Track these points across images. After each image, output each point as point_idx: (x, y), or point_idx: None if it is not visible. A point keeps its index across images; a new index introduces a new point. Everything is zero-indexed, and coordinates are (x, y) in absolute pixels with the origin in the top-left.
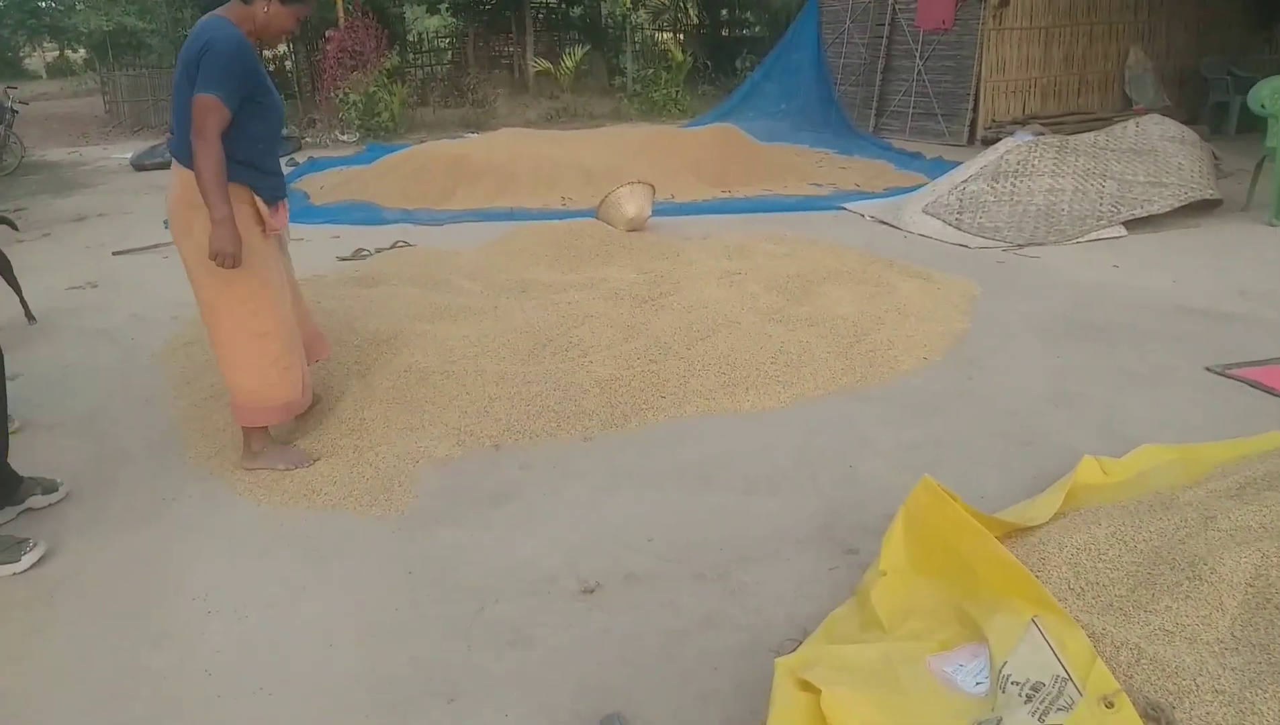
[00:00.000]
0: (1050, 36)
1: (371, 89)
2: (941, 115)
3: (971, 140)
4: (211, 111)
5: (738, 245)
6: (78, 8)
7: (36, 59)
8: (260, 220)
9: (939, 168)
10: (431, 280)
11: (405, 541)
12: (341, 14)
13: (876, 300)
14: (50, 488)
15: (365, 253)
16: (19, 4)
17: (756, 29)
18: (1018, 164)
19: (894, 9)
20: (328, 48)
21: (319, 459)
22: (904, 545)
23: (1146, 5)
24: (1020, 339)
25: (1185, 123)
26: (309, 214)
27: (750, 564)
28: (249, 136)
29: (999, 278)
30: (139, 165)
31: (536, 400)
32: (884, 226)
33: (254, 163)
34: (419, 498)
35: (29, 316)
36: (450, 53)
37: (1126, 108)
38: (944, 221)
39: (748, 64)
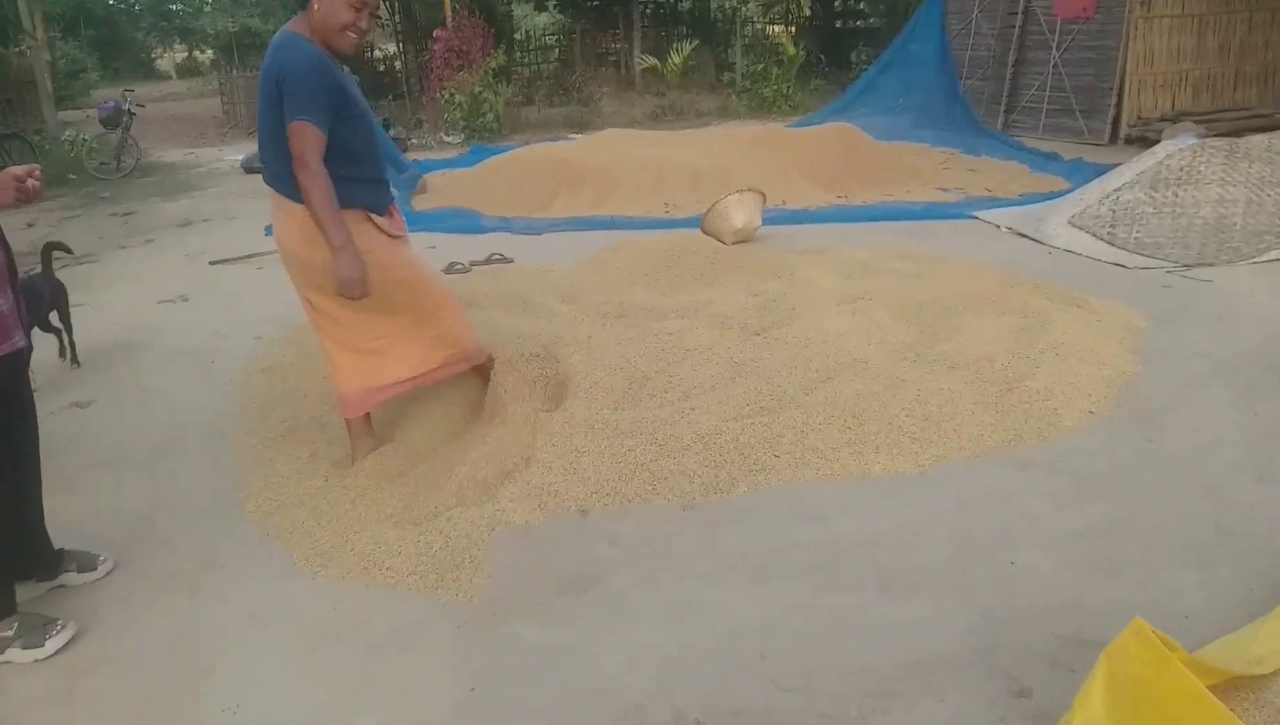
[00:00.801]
0: (1204, 25)
1: (477, 89)
2: (1080, 111)
3: (1114, 139)
4: (308, 137)
5: (859, 262)
6: (205, 10)
7: (167, 60)
8: (381, 230)
9: (1080, 170)
10: (523, 303)
11: (472, 640)
12: (449, 13)
13: (1027, 335)
14: (88, 565)
15: (460, 267)
16: (153, 7)
17: (872, 20)
18: (1180, 170)
19: None
20: (435, 47)
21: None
22: (1106, 710)
23: None
24: (1205, 387)
25: None
26: (408, 221)
27: (891, 702)
28: (350, 150)
29: (1167, 306)
30: (249, 167)
31: (629, 457)
32: (1023, 240)
33: (359, 175)
34: (491, 578)
35: (73, 360)
36: (557, 50)
37: None
38: (1094, 236)
39: (863, 57)
